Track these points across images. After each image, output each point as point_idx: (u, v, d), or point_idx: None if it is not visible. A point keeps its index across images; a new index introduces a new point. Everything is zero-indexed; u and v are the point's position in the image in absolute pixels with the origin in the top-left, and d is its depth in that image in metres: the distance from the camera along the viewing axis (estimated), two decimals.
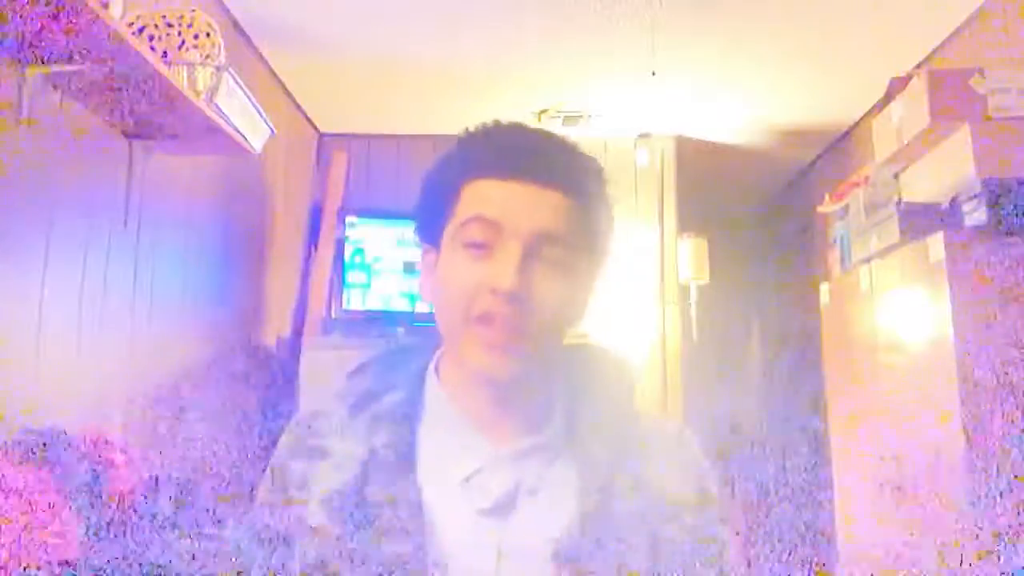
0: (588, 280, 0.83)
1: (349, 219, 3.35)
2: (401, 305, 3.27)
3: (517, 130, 0.83)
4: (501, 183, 0.78)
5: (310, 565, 0.76)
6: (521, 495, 0.79)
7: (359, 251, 3.31)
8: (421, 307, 3.22)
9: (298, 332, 3.28)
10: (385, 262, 3.32)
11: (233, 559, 0.85)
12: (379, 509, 0.77)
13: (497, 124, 0.83)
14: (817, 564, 3.39)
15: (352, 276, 3.30)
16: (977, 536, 1.70)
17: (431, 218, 0.82)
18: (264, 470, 0.85)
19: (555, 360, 0.85)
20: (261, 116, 2.14)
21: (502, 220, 0.77)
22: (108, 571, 1.34)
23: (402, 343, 0.92)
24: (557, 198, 0.78)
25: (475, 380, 0.81)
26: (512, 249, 0.76)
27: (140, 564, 1.39)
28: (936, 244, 1.90)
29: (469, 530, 0.78)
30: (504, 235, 0.77)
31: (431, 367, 0.87)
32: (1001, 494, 1.68)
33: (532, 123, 0.97)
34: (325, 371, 2.79)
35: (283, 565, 0.79)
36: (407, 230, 3.38)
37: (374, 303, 3.30)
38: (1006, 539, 1.65)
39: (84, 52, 1.50)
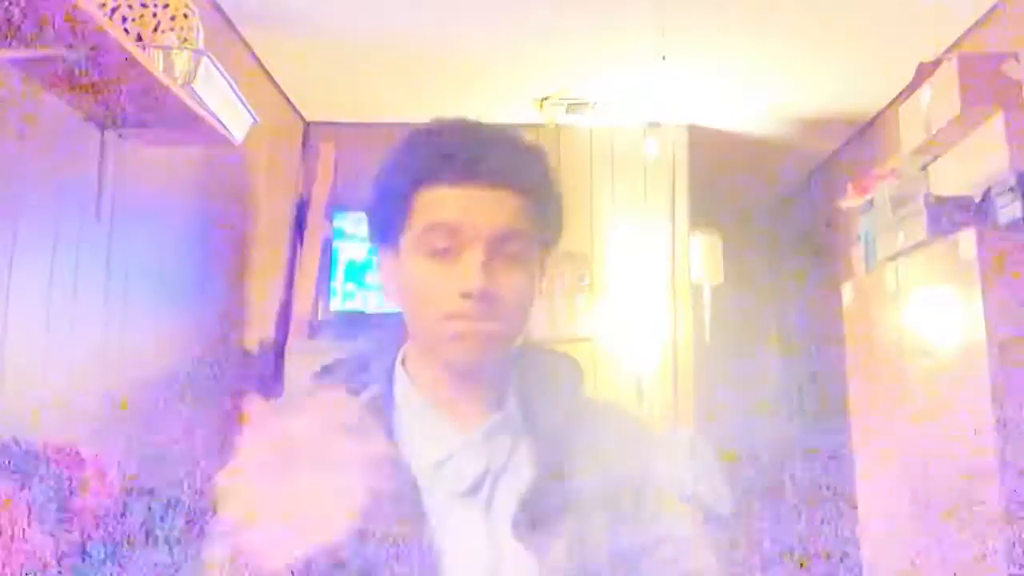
0: (542, 266, 0.95)
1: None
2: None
3: (462, 130, 0.92)
4: (453, 189, 0.87)
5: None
6: (490, 476, 0.89)
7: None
8: None
9: (282, 334, 3.28)
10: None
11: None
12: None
13: (441, 125, 0.93)
14: None
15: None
16: (1010, 555, 1.69)
17: (387, 223, 0.92)
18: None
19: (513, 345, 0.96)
20: (243, 104, 2.14)
21: (461, 225, 0.86)
22: None
23: (366, 345, 1.01)
24: (510, 197, 0.88)
25: (442, 369, 0.92)
26: (475, 251, 0.86)
27: None
28: (967, 240, 1.90)
29: (448, 512, 0.87)
30: (465, 238, 0.86)
31: (398, 361, 0.96)
32: None
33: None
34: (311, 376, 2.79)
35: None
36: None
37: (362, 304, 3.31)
38: None
39: (53, 35, 1.50)
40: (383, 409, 0.92)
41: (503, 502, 0.88)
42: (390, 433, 0.90)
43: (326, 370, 0.96)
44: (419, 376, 0.94)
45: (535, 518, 0.87)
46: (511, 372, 0.96)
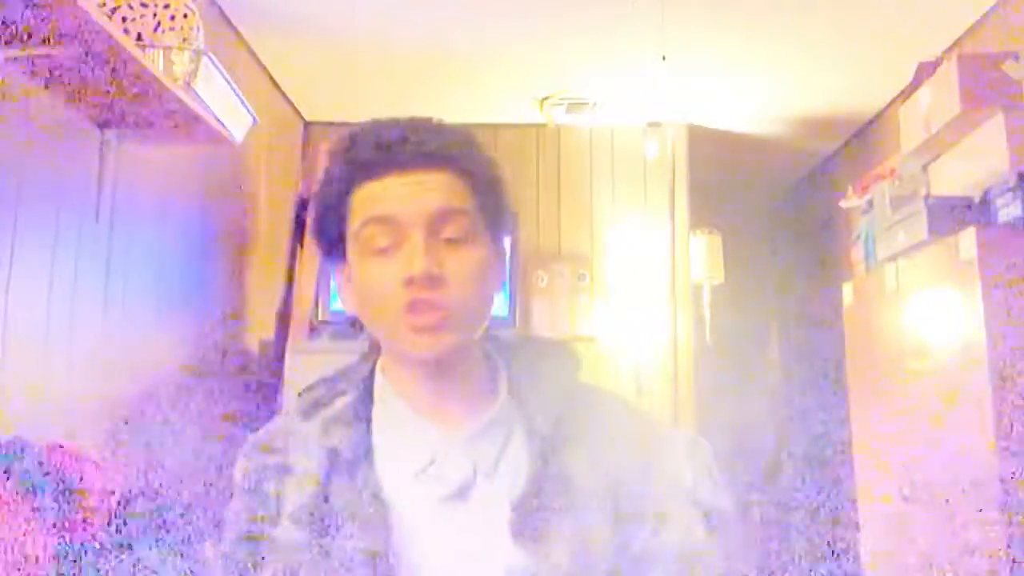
0: (497, 250, 0.92)
1: None
2: None
3: (384, 126, 0.91)
4: (382, 181, 0.87)
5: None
6: (479, 477, 0.87)
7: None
8: None
9: (282, 335, 3.28)
10: None
11: None
12: (343, 511, 0.85)
13: (364, 126, 0.91)
14: None
15: None
16: (1011, 557, 1.69)
17: (332, 234, 0.91)
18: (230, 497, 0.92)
19: (486, 337, 0.94)
20: (242, 103, 2.14)
21: (396, 214, 0.86)
22: None
23: (348, 357, 0.99)
24: (441, 177, 0.87)
25: (413, 368, 0.90)
26: (414, 236, 0.85)
27: None
28: (967, 241, 1.90)
29: (432, 519, 0.85)
30: (403, 228, 0.85)
31: (377, 368, 0.95)
32: None
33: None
34: (312, 376, 2.79)
35: None
36: None
37: None
38: None
39: (52, 34, 1.50)
40: (352, 420, 0.90)
41: (496, 504, 0.85)
42: (362, 444, 0.89)
43: (307, 390, 0.95)
44: (397, 380, 0.92)
45: (534, 518, 0.84)
46: (500, 364, 0.94)
